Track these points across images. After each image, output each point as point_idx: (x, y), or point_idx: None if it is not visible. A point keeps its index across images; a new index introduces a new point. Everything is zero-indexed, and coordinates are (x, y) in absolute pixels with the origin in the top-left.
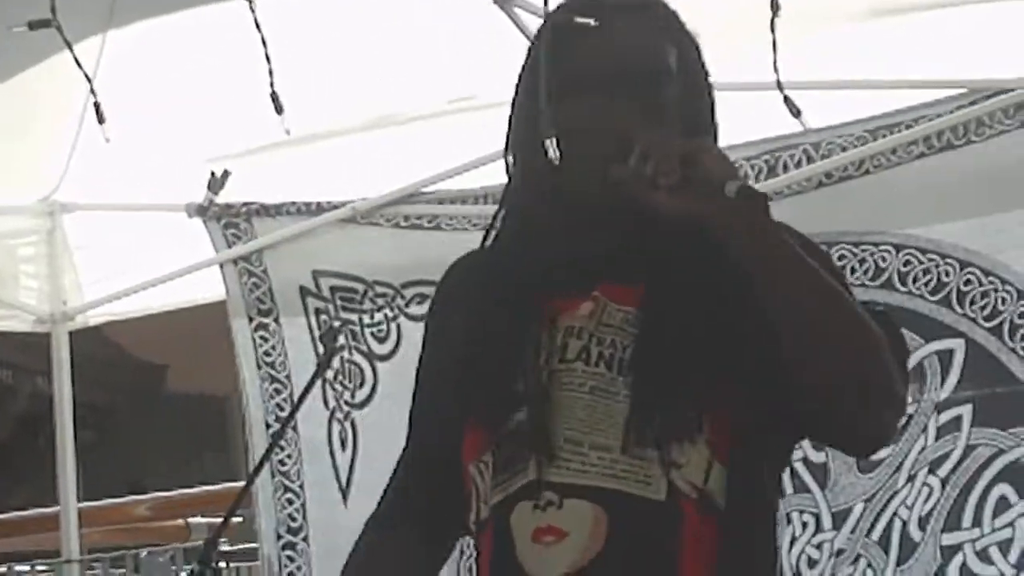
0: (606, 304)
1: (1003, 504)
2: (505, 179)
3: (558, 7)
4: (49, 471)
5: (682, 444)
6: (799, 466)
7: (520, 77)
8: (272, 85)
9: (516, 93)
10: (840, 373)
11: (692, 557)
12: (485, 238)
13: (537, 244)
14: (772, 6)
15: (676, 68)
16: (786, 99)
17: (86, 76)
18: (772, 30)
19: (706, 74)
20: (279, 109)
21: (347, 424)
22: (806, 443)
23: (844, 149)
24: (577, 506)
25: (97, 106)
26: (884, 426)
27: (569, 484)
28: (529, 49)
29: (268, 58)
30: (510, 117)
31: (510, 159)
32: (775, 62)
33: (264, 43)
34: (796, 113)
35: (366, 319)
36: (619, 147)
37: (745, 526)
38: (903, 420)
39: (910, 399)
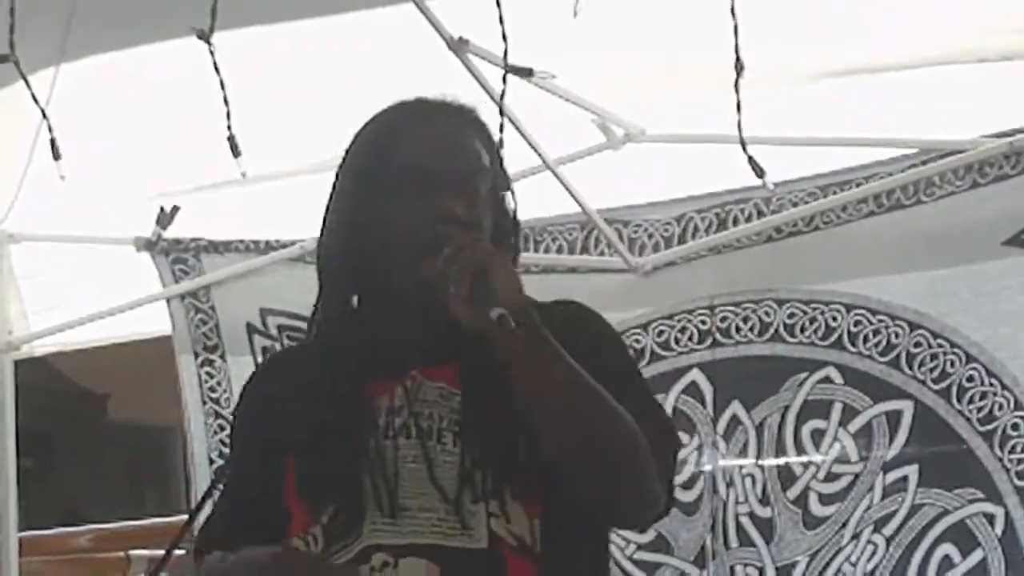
0: (422, 381)
1: (946, 563)
2: None
3: (388, 107)
4: None
5: (501, 498)
6: (745, 520)
7: (340, 168)
8: (229, 128)
9: (334, 188)
10: (592, 478)
11: None
12: (308, 330)
13: (355, 333)
14: (736, 67)
15: (488, 167)
16: (750, 159)
17: (43, 112)
18: (736, 90)
19: (506, 174)
20: (236, 152)
21: None
22: (752, 498)
23: (795, 204)
24: (412, 564)
25: (53, 142)
26: (639, 519)
27: (403, 544)
28: (353, 139)
29: (226, 100)
30: (327, 212)
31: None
32: (739, 122)
33: (223, 86)
34: (760, 174)
35: None
36: (433, 242)
37: (563, 571)
38: (851, 479)
39: (857, 457)
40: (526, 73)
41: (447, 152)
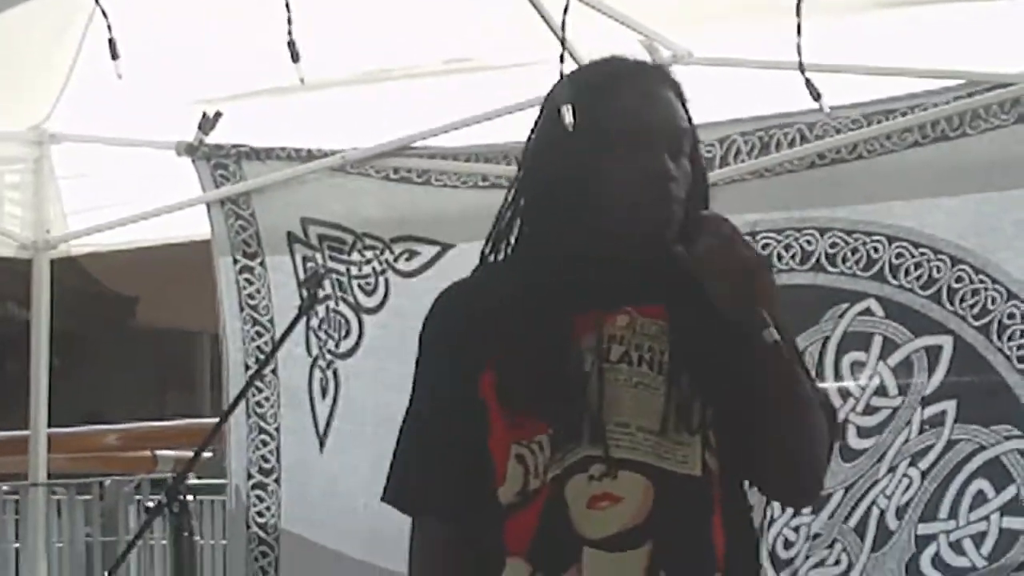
0: (638, 317)
1: (980, 499)
2: (493, 140)
3: (584, 67)
4: (13, 395)
5: (710, 433)
6: None
7: (546, 120)
8: (290, 33)
9: (540, 137)
10: (783, 463)
11: (719, 521)
12: (488, 253)
13: (570, 268)
14: None
15: (689, 127)
16: (808, 82)
17: (103, 11)
18: (798, 13)
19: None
20: (295, 57)
21: (329, 373)
22: None
23: (838, 131)
24: (630, 477)
25: (111, 41)
26: (807, 497)
27: (622, 459)
28: (557, 93)
29: (288, 6)
30: (531, 159)
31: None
32: (799, 45)
33: None
34: (816, 96)
35: (354, 271)
36: (664, 203)
37: (737, 501)
38: (889, 413)
39: (895, 391)
40: None
41: (661, 111)
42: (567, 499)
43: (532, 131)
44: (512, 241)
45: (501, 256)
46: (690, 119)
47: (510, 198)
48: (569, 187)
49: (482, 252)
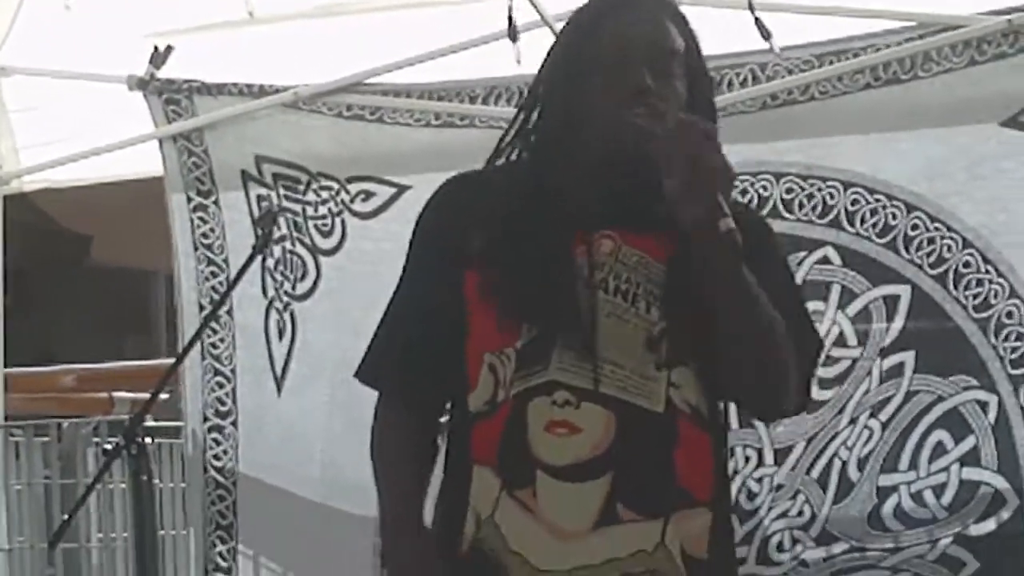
0: (622, 245)
1: (939, 449)
2: (447, 77)
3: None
4: None
5: (681, 369)
6: None
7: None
8: None
9: (545, 61)
10: (750, 374)
11: (685, 460)
12: (497, 155)
13: (567, 185)
14: None
15: (683, 50)
16: (757, 21)
17: None
18: None
19: (703, 62)
20: None
21: (286, 315)
22: None
23: (790, 72)
24: (592, 409)
25: None
26: (770, 413)
27: (586, 389)
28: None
29: None
30: (544, 73)
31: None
32: None
33: None
34: (766, 35)
35: (310, 211)
36: (641, 119)
37: (722, 440)
38: (848, 364)
39: (855, 341)
40: None
41: (646, 33)
42: (527, 419)
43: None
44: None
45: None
46: (692, 44)
47: (520, 117)
48: (562, 109)
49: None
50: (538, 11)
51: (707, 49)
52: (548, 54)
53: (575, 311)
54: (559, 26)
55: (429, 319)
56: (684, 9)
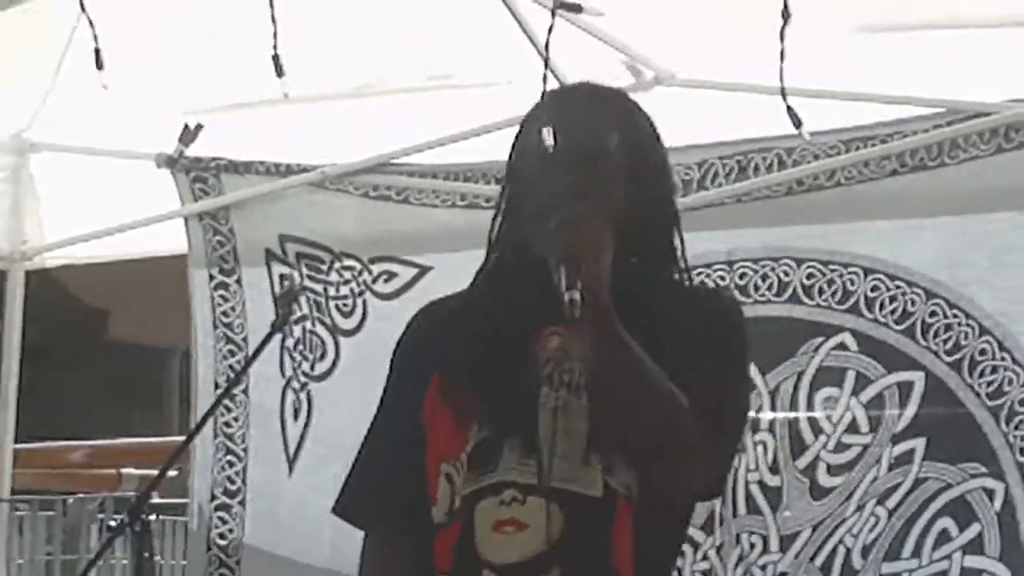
0: (568, 338)
1: (943, 537)
2: (474, 159)
3: (553, 91)
4: None
5: (614, 454)
6: (755, 488)
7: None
8: (275, 47)
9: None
10: (639, 457)
11: (621, 542)
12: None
13: (517, 281)
14: (783, 14)
15: (618, 146)
16: (789, 109)
17: (89, 21)
18: (781, 38)
19: (656, 149)
20: (280, 71)
21: (303, 395)
22: (763, 465)
23: (816, 157)
24: (537, 503)
25: (97, 51)
26: (685, 492)
27: (532, 485)
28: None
29: (274, 19)
30: (503, 188)
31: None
32: (781, 70)
33: (272, 3)
34: (798, 123)
35: (331, 291)
36: (551, 215)
37: (653, 522)
38: (859, 451)
39: (867, 428)
40: (576, 9)
41: (585, 134)
42: (475, 521)
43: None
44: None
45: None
46: (638, 137)
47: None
48: (511, 207)
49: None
50: None
51: (735, 133)
52: (511, 150)
53: (519, 409)
54: None
55: (403, 447)
56: (712, 93)
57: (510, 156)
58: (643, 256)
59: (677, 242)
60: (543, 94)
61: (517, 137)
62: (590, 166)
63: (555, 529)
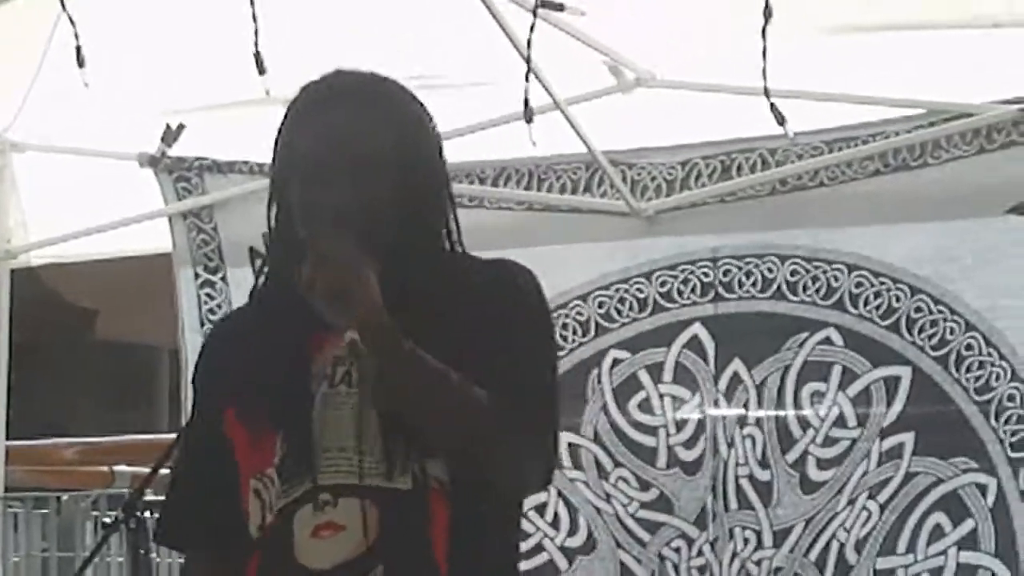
0: (355, 338)
1: (937, 532)
2: (456, 158)
3: (306, 85)
4: None
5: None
6: (744, 482)
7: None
8: (256, 44)
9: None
10: (453, 459)
11: (439, 532)
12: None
13: (289, 298)
14: (764, 13)
15: (385, 148)
16: (772, 106)
17: (70, 19)
18: (763, 36)
19: (432, 144)
20: (261, 68)
21: None
22: (752, 460)
23: (800, 157)
24: (349, 504)
25: (78, 49)
26: (503, 494)
27: (341, 485)
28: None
29: (255, 16)
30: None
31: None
32: (764, 69)
33: (252, 1)
34: (781, 121)
35: None
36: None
37: (472, 509)
38: (848, 445)
39: (855, 422)
40: (557, 8)
41: (346, 140)
42: (294, 530)
43: None
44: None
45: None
46: (406, 132)
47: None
48: (279, 218)
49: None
50: (551, 95)
51: (718, 133)
52: (274, 149)
53: (310, 414)
54: (571, 109)
55: (211, 466)
56: (694, 94)
57: (273, 159)
58: (424, 249)
59: (453, 226)
60: (311, 89)
61: (280, 134)
62: (353, 178)
63: (372, 527)
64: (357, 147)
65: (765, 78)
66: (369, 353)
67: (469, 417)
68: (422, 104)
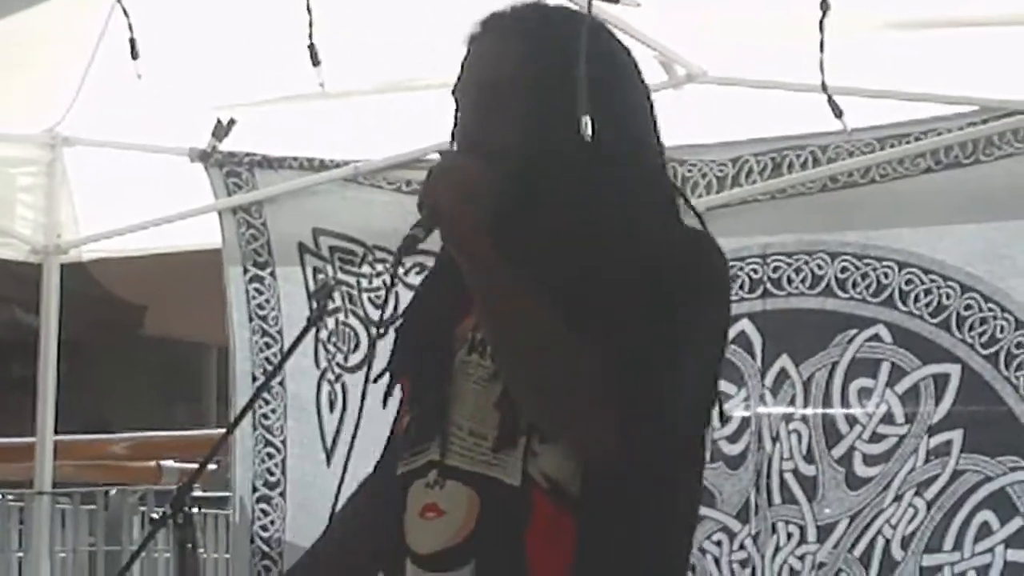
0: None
1: (985, 530)
2: None
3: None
4: (18, 401)
5: (539, 437)
6: (789, 477)
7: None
8: (311, 36)
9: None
10: (524, 399)
11: (539, 541)
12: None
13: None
14: (822, 6)
15: (523, 69)
16: (830, 99)
17: (124, 11)
18: (821, 29)
19: (561, 67)
20: (315, 60)
21: (337, 386)
22: (797, 454)
23: (851, 155)
24: (454, 488)
25: (132, 41)
26: (578, 451)
27: (451, 467)
28: None
29: (309, 8)
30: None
31: None
32: (821, 61)
33: None
34: (839, 114)
35: (364, 283)
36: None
37: (603, 519)
38: (895, 441)
39: (902, 419)
40: (612, 0)
41: (464, 71)
42: (408, 503)
43: None
44: None
45: None
46: (547, 58)
47: None
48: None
49: None
50: None
51: (769, 131)
52: None
53: (442, 387)
54: None
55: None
56: (746, 91)
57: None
58: (555, 164)
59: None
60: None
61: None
62: (477, 102)
63: (471, 518)
64: (481, 73)
65: (823, 71)
66: (450, 248)
67: (551, 358)
68: (598, 35)
